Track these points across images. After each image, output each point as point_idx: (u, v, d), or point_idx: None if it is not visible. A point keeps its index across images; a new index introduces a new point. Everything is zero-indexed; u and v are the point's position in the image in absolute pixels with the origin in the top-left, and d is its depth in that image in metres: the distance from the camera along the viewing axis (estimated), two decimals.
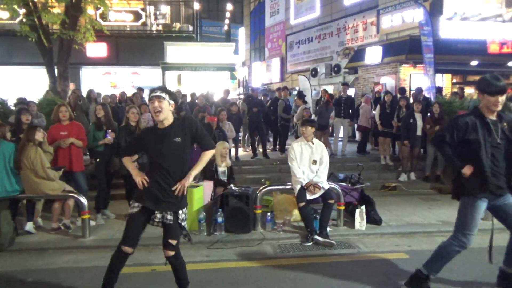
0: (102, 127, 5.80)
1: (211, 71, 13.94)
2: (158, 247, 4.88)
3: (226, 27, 24.40)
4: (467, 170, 3.31)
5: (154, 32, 16.49)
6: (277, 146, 10.21)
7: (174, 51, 14.50)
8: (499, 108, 3.23)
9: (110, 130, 5.77)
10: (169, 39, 15.35)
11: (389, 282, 3.86)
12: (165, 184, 3.10)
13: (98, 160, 5.78)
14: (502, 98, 3.19)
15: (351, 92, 13.85)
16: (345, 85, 10.31)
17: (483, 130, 3.26)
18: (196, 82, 13.52)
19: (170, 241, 3.22)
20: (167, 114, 3.10)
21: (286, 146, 9.59)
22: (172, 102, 3.14)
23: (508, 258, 3.54)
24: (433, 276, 3.51)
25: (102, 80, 15.59)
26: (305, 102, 9.84)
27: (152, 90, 3.14)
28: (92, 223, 5.47)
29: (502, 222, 3.46)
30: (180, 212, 3.21)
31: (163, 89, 3.17)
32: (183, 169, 3.16)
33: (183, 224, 3.24)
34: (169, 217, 3.16)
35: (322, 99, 11.20)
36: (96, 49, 14.76)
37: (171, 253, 3.25)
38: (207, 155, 3.23)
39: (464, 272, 4.01)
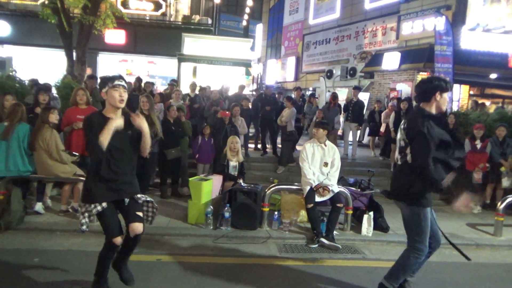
0: None
1: (227, 65, 13.93)
2: (163, 237, 4.94)
3: (244, 23, 24.35)
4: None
5: (173, 23, 16.55)
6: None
7: (191, 43, 14.52)
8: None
9: None
10: (187, 30, 15.39)
11: None
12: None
13: None
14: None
15: (365, 96, 13.76)
16: (357, 89, 10.27)
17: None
18: (211, 76, 13.53)
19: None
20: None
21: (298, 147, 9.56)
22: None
23: None
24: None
25: (118, 67, 15.71)
26: (293, 105, 9.02)
27: (117, 78, 3.08)
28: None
29: None
30: None
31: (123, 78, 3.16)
32: None
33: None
34: None
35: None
36: (115, 36, 14.88)
37: None
38: None
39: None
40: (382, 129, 9.87)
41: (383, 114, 10.01)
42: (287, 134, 8.65)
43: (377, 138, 10.67)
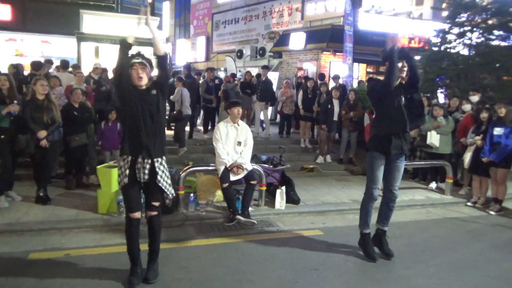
0: (5, 101, 5.21)
1: (133, 45, 13.19)
2: (71, 230, 4.63)
3: (150, 0, 23.15)
4: None
5: None
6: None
7: (91, 21, 13.39)
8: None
9: (15, 101, 5.20)
10: (86, 7, 14.15)
11: (304, 256, 4.11)
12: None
13: (2, 137, 5.20)
14: None
15: (275, 76, 14.17)
16: (265, 68, 10.58)
17: None
18: (115, 56, 12.71)
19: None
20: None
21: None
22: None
23: (380, 217, 4.27)
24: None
25: (5, 47, 13.92)
26: (184, 86, 8.56)
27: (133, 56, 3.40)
28: None
29: None
30: None
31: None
32: None
33: None
34: None
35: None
36: None
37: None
38: None
39: None
40: (282, 108, 10.12)
41: (279, 93, 10.34)
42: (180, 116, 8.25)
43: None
